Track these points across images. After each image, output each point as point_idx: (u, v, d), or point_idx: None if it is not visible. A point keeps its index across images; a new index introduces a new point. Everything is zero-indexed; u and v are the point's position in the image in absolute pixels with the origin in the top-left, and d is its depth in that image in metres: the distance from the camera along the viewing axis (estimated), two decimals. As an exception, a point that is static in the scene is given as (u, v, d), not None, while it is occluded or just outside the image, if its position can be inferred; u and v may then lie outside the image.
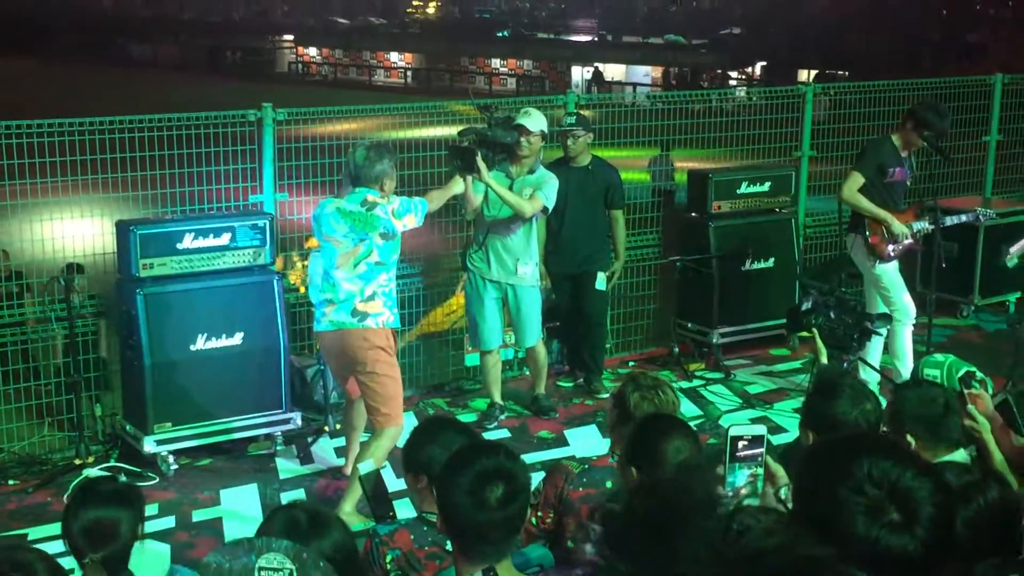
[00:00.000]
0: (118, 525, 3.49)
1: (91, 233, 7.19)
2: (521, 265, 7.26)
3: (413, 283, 8.13)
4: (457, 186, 6.51)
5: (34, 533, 5.92)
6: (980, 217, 8.67)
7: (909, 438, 3.75)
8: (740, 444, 2.47)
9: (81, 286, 7.31)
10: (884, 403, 4.14)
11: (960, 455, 3.77)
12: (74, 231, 7.13)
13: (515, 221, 7.17)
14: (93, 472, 6.45)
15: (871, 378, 7.06)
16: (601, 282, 7.91)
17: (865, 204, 7.47)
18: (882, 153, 7.54)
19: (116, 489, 3.67)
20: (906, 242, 7.55)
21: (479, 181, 6.75)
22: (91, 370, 7.13)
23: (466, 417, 7.53)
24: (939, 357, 4.75)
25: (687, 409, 7.79)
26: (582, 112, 8.19)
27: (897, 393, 4.11)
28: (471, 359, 8.17)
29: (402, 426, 6.00)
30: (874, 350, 7.47)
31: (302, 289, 7.51)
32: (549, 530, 3.86)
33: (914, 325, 7.67)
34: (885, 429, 3.86)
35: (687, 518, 2.17)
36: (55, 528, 5.76)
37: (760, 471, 2.48)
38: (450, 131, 7.56)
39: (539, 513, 3.81)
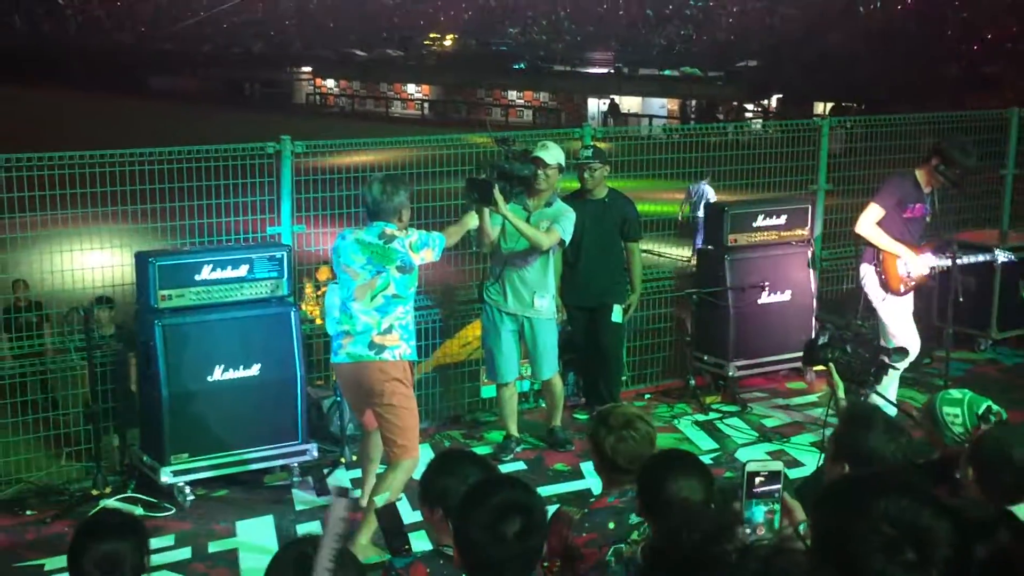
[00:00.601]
0: (124, 557, 3.50)
1: (110, 264, 7.24)
2: (538, 298, 7.28)
3: (429, 315, 8.14)
4: (472, 220, 6.52)
5: (51, 564, 5.93)
6: (997, 259, 8.54)
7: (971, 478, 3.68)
8: (757, 480, 2.47)
9: (105, 318, 7.34)
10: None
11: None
12: (94, 262, 7.18)
13: (532, 254, 7.18)
14: (110, 503, 6.47)
15: (888, 412, 7.03)
16: (617, 314, 7.91)
17: (881, 237, 7.46)
18: (903, 188, 7.51)
19: (121, 522, 3.68)
20: (918, 277, 7.52)
21: (496, 213, 6.78)
22: (109, 401, 7.15)
23: (482, 449, 7.53)
24: (956, 394, 4.71)
25: (703, 442, 7.78)
26: (598, 145, 8.21)
27: (982, 440, 3.98)
28: (487, 391, 8.17)
29: (418, 458, 6.00)
30: (891, 384, 7.44)
31: (318, 320, 7.54)
32: None
33: (932, 359, 7.64)
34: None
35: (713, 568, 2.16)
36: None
37: (777, 507, 2.49)
38: (467, 163, 7.61)
39: (545, 564, 3.78)
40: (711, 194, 11.62)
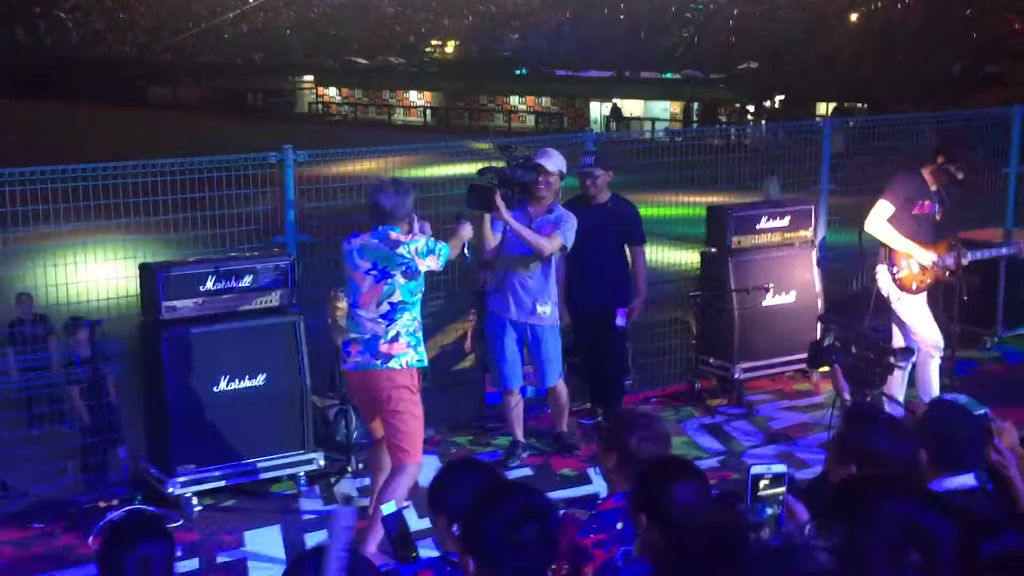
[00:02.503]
0: (163, 558, 3.53)
1: (115, 276, 7.25)
2: (540, 305, 7.27)
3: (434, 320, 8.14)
4: (465, 231, 6.43)
5: (60, 576, 5.95)
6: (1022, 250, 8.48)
7: (922, 452, 3.72)
8: (762, 483, 2.48)
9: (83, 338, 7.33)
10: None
11: (967, 479, 3.72)
12: (99, 275, 7.19)
13: (534, 260, 7.18)
14: (116, 516, 6.48)
15: (895, 412, 7.02)
16: (620, 319, 7.91)
17: (890, 235, 7.44)
18: (911, 184, 7.50)
19: (154, 523, 3.71)
20: (935, 272, 7.49)
21: (499, 219, 6.78)
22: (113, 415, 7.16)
23: (488, 455, 7.53)
24: (953, 399, 4.70)
25: (709, 445, 7.78)
26: (600, 150, 8.22)
27: (929, 407, 4.09)
28: (493, 398, 8.17)
29: (421, 463, 6.03)
30: (897, 384, 7.43)
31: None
32: None
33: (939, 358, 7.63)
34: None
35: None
36: (81, 571, 5.83)
37: (783, 510, 2.49)
38: (470, 169, 7.62)
39: (552, 566, 3.77)
40: (775, 192, 11.18)
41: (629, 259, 8.00)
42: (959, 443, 3.79)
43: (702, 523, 2.50)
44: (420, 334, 6.09)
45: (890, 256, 7.51)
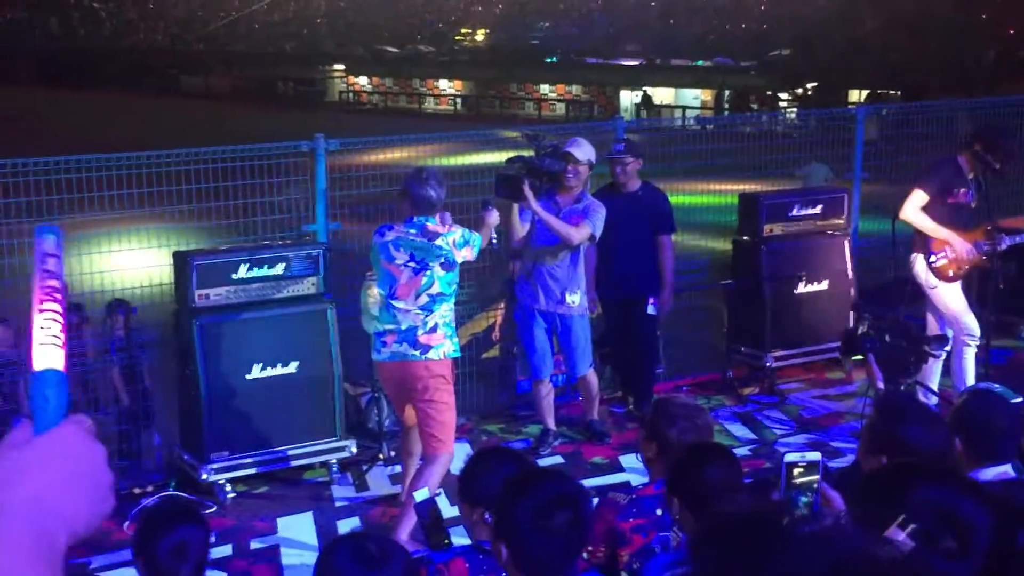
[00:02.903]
0: (198, 544, 3.56)
1: (148, 265, 7.30)
2: (569, 294, 7.26)
3: (467, 309, 8.14)
4: (492, 217, 6.37)
5: (96, 561, 6.00)
6: None
7: (958, 442, 3.71)
8: (796, 471, 2.47)
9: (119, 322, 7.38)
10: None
11: (1006, 469, 3.71)
12: (132, 263, 7.24)
13: (562, 250, 7.17)
14: (150, 502, 6.53)
15: (930, 401, 6.98)
16: (651, 307, 7.90)
17: (926, 223, 7.37)
18: (945, 172, 7.43)
19: (189, 509, 3.74)
20: (971, 259, 7.42)
21: (527, 208, 6.78)
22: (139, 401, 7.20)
23: (520, 443, 7.54)
24: (988, 387, 4.66)
25: (741, 433, 7.76)
26: (630, 138, 8.19)
27: (966, 397, 4.07)
28: (523, 386, 8.18)
29: (453, 453, 6.07)
30: (931, 373, 7.38)
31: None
32: (601, 564, 3.85)
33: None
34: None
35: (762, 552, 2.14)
36: (116, 556, 5.88)
37: (817, 497, 2.48)
38: (500, 158, 7.61)
39: (589, 548, 3.78)
40: (818, 177, 10.94)
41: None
42: (996, 432, 3.76)
43: (735, 507, 2.49)
44: (454, 324, 6.11)
45: (926, 244, 7.44)
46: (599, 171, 7.78)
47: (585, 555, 3.74)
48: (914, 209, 7.38)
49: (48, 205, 6.82)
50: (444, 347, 5.97)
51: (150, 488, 6.83)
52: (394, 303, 5.97)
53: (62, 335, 1.36)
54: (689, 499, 3.46)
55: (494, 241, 6.40)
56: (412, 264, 5.92)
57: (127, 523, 6.28)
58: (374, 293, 6.52)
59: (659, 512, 3.83)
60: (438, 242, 5.89)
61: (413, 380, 5.96)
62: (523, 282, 7.34)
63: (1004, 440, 3.76)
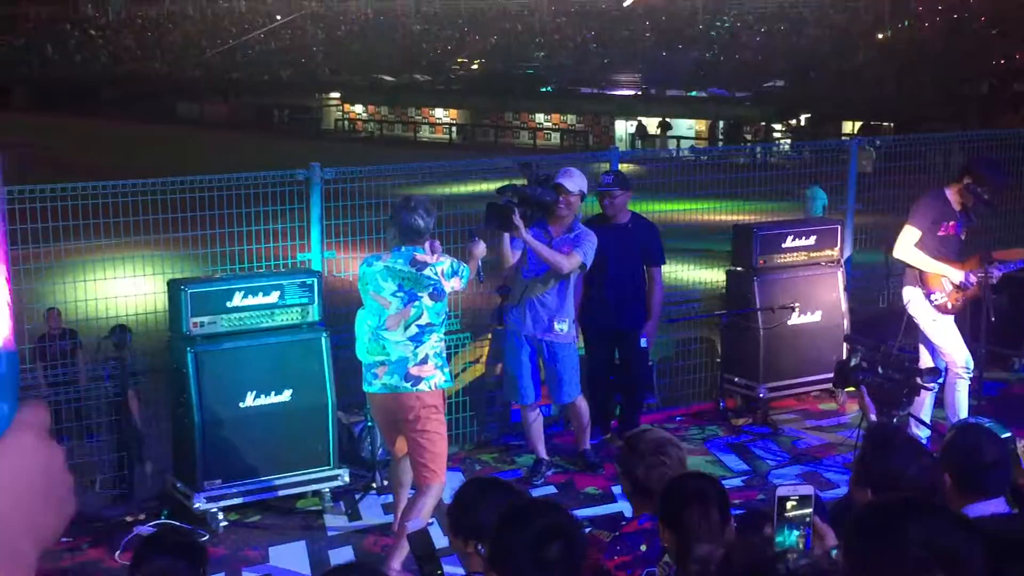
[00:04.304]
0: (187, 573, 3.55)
1: (142, 292, 7.31)
2: (557, 322, 7.27)
3: (458, 339, 8.16)
4: (479, 249, 6.31)
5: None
6: None
7: (947, 478, 3.72)
8: (788, 504, 2.47)
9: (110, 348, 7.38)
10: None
11: (997, 503, 3.71)
12: (126, 290, 7.25)
13: (552, 278, 7.19)
14: (144, 530, 6.51)
15: (922, 434, 6.99)
16: (644, 340, 7.93)
17: (921, 260, 7.41)
18: (936, 207, 7.47)
19: (179, 541, 3.74)
20: (967, 293, 7.46)
21: (517, 238, 6.81)
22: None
23: (512, 473, 7.53)
24: (977, 422, 4.67)
25: (734, 464, 7.76)
26: (620, 170, 8.25)
27: (954, 433, 4.08)
28: (516, 415, 8.18)
29: (444, 483, 6.04)
30: (924, 405, 7.39)
31: None
32: None
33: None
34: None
35: None
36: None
37: (809, 531, 2.48)
38: (493, 187, 7.65)
39: None
40: (819, 200, 11.00)
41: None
42: (984, 468, 3.77)
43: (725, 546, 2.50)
44: (445, 354, 6.11)
45: (923, 280, 7.46)
46: (589, 200, 7.80)
47: None
48: (908, 246, 7.42)
49: (43, 232, 6.84)
50: (435, 378, 5.96)
51: (142, 516, 6.81)
52: (383, 334, 5.96)
53: (6, 296, 1.27)
54: (680, 533, 3.46)
55: (480, 275, 6.36)
56: (400, 294, 5.90)
57: (119, 552, 6.26)
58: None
59: (643, 548, 3.82)
60: (426, 272, 5.88)
61: (405, 411, 5.95)
62: (512, 309, 7.36)
63: (992, 475, 3.77)
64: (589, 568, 3.84)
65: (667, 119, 43.85)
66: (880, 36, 45.49)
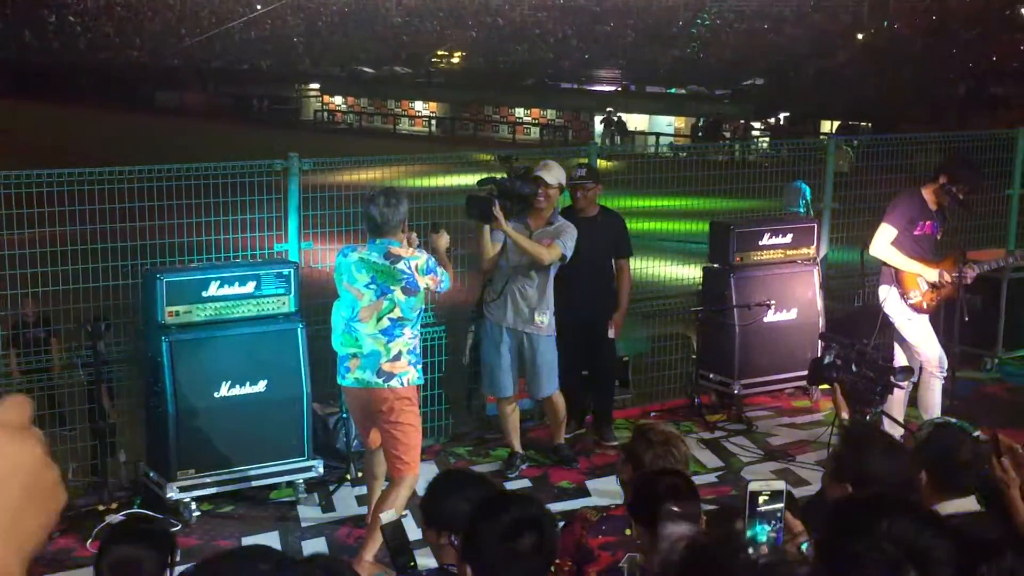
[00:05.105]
0: (142, 564, 3.52)
1: (117, 280, 7.26)
2: (538, 314, 7.28)
3: (434, 332, 8.15)
4: (442, 240, 6.27)
5: (57, 579, 5.95)
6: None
7: (923, 475, 3.77)
8: (760, 499, 2.49)
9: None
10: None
11: (970, 502, 3.77)
12: (101, 278, 7.20)
13: (533, 270, 7.20)
14: (115, 519, 6.48)
15: (895, 432, 7.03)
16: (611, 331, 7.96)
17: (897, 258, 7.45)
18: (912, 206, 7.52)
19: (145, 529, 3.71)
20: (942, 292, 7.51)
21: (497, 230, 6.81)
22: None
23: (487, 466, 7.54)
24: (943, 421, 4.70)
25: (708, 460, 7.78)
26: (591, 164, 8.29)
27: (931, 430, 4.13)
28: (492, 409, 8.18)
29: (418, 474, 6.03)
30: (898, 404, 7.43)
31: None
32: None
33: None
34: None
35: None
36: (78, 574, 5.83)
37: (780, 526, 2.50)
38: (474, 180, 7.65)
39: (556, 561, 3.80)
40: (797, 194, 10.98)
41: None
42: (960, 465, 3.82)
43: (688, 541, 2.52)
44: (419, 350, 6.09)
45: (899, 279, 7.51)
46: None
47: (552, 568, 3.76)
48: (884, 244, 7.47)
49: (17, 219, 6.79)
50: (408, 375, 5.94)
51: (114, 505, 6.77)
52: (355, 325, 5.95)
53: None
54: (648, 526, 3.48)
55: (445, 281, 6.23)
56: (373, 287, 5.88)
57: (90, 541, 6.23)
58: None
59: (629, 531, 3.84)
60: (400, 266, 5.84)
61: (378, 402, 5.94)
62: (493, 301, 7.36)
63: (967, 472, 3.82)
64: (572, 543, 3.87)
65: (620, 114, 43.69)
66: (859, 36, 45.65)
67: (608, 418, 8.20)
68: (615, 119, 42.32)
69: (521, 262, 7.19)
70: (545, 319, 7.32)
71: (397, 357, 5.89)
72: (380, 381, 5.89)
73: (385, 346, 5.88)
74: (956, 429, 4.12)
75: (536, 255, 7.06)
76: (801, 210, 9.55)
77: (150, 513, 6.50)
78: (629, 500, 3.67)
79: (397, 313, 5.88)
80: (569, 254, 7.23)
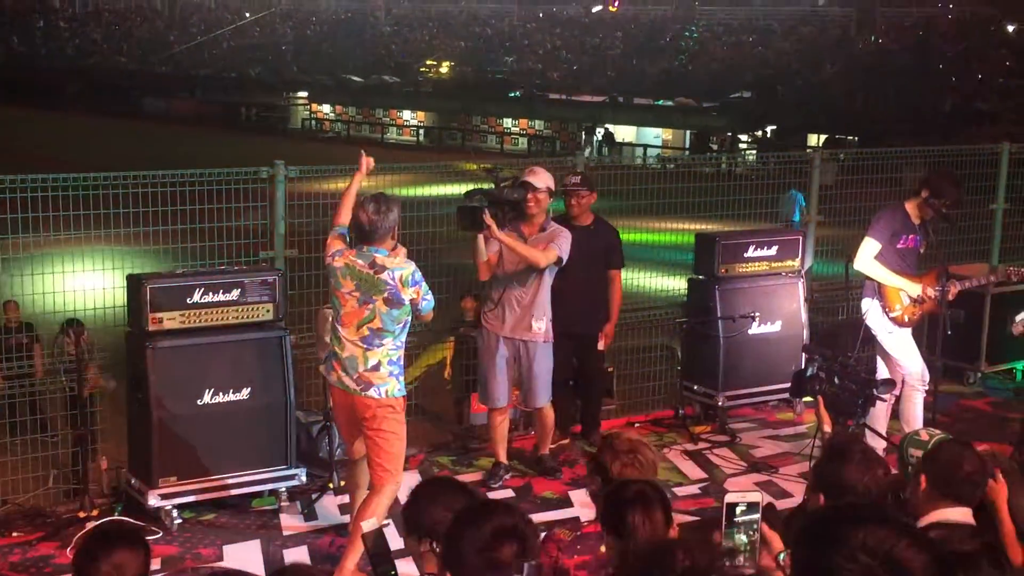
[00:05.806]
0: (127, 567, 3.51)
1: (102, 286, 7.25)
2: (535, 321, 7.27)
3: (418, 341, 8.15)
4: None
5: (36, 585, 5.92)
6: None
7: (923, 480, 3.83)
8: (737, 510, 2.50)
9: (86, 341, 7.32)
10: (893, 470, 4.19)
11: (964, 513, 3.82)
12: (85, 284, 7.19)
13: (530, 276, 7.19)
14: (94, 526, 6.45)
15: (876, 445, 7.05)
16: (601, 342, 7.97)
17: (880, 272, 7.49)
18: (895, 220, 7.55)
19: (127, 530, 3.70)
20: (924, 306, 7.55)
21: (490, 236, 6.81)
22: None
23: (470, 476, 7.53)
24: (924, 435, 4.71)
25: (692, 472, 7.79)
26: (586, 172, 8.29)
27: (941, 445, 4.16)
28: (477, 418, 8.17)
29: (400, 483, 6.00)
30: (880, 416, 7.46)
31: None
32: None
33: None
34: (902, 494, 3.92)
35: None
36: (58, 581, 5.80)
37: (757, 537, 2.51)
38: (461, 189, 7.66)
39: None
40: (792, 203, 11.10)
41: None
42: (965, 477, 3.88)
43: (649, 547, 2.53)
44: (402, 363, 6.04)
45: (881, 292, 7.54)
46: (555, 204, 7.81)
47: None
48: (868, 258, 7.50)
49: (1, 224, 6.78)
50: (387, 386, 5.88)
51: (95, 512, 6.75)
52: (339, 328, 5.94)
53: None
54: (617, 536, 3.49)
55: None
56: (356, 294, 5.86)
57: (70, 548, 6.21)
58: (326, 315, 6.45)
59: (603, 549, 3.84)
60: (383, 276, 5.76)
61: (362, 409, 5.92)
62: (490, 310, 7.34)
63: (968, 485, 3.89)
64: (549, 566, 3.86)
65: (595, 125, 43.85)
66: (847, 51, 45.82)
67: (597, 426, 8.21)
68: (600, 132, 42.47)
69: (517, 269, 7.18)
70: (542, 325, 7.30)
71: (376, 367, 5.85)
72: (358, 390, 5.87)
73: (364, 354, 5.85)
74: (962, 445, 4.17)
75: (531, 258, 7.05)
76: (797, 218, 9.60)
77: (127, 519, 6.48)
78: (599, 512, 3.67)
79: (377, 324, 5.82)
80: (565, 257, 7.21)
